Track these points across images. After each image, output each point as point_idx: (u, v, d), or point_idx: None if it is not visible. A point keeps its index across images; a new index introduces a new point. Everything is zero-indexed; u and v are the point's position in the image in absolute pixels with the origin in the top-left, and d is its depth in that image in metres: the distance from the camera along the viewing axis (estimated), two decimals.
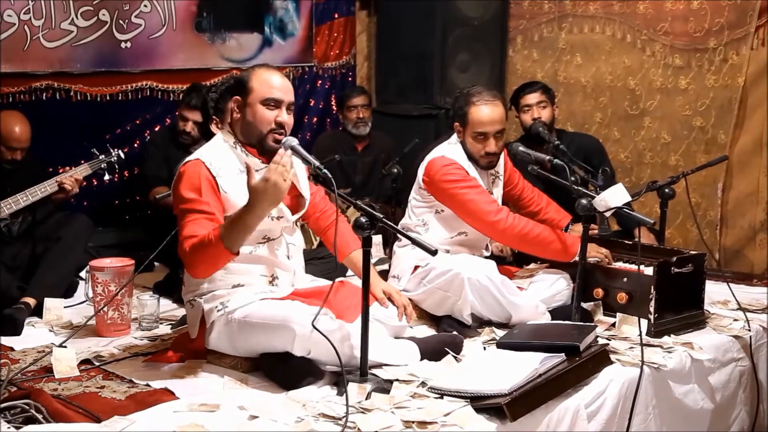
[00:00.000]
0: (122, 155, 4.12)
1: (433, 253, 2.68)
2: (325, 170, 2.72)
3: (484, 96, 3.50)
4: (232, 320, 2.82)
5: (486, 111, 3.47)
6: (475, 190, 3.49)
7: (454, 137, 3.62)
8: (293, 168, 2.99)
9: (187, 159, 2.88)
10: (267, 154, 2.92)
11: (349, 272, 3.91)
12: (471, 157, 3.55)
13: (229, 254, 2.65)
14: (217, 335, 2.87)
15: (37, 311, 3.57)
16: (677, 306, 3.36)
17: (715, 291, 3.69)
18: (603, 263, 3.50)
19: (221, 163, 2.86)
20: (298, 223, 3.20)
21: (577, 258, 3.36)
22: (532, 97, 4.17)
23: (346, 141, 5.23)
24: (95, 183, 4.92)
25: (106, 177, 4.13)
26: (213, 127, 3.08)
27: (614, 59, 5.20)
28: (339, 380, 2.67)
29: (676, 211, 4.75)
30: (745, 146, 4.70)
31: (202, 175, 2.80)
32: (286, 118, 2.90)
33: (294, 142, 2.84)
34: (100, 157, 4.05)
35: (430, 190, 3.55)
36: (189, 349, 2.97)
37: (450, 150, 3.58)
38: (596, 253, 3.48)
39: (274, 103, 2.88)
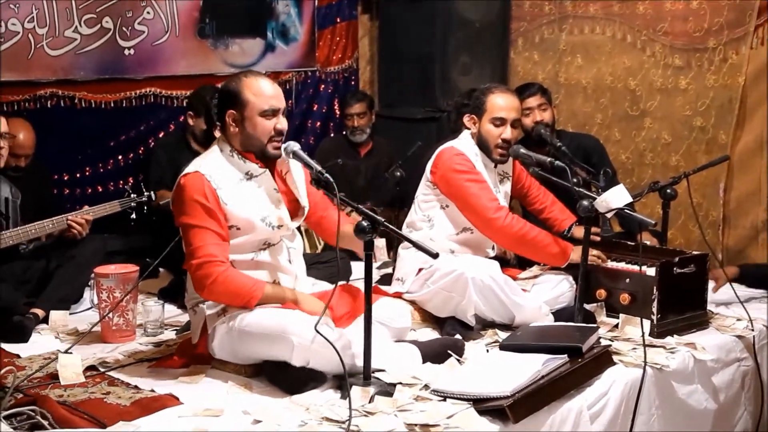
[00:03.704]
0: (153, 196, 4.02)
1: (435, 256, 2.69)
2: (327, 175, 2.74)
3: (501, 87, 3.74)
4: (232, 328, 2.84)
5: (506, 97, 3.64)
6: (478, 184, 3.52)
7: (465, 134, 3.67)
8: (291, 173, 3.01)
9: (186, 170, 2.89)
10: (266, 159, 2.95)
11: (352, 276, 3.94)
12: (485, 149, 3.60)
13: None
14: (218, 343, 2.89)
15: (45, 322, 3.58)
16: (680, 306, 3.37)
17: (718, 291, 3.70)
18: (598, 264, 3.51)
19: (220, 174, 2.87)
20: (302, 227, 3.21)
21: (572, 261, 3.39)
22: (533, 100, 4.16)
23: (349, 145, 5.24)
24: (100, 190, 4.95)
25: (133, 216, 3.98)
26: (216, 132, 3.09)
27: (614, 60, 5.20)
28: (342, 384, 2.68)
29: (678, 211, 4.74)
30: (746, 146, 4.69)
31: (205, 189, 2.82)
32: (284, 124, 2.93)
33: (296, 147, 2.87)
34: (132, 196, 3.97)
35: (436, 180, 3.59)
36: (193, 354, 2.99)
37: (460, 143, 3.64)
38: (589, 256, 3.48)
39: (271, 113, 2.90)
